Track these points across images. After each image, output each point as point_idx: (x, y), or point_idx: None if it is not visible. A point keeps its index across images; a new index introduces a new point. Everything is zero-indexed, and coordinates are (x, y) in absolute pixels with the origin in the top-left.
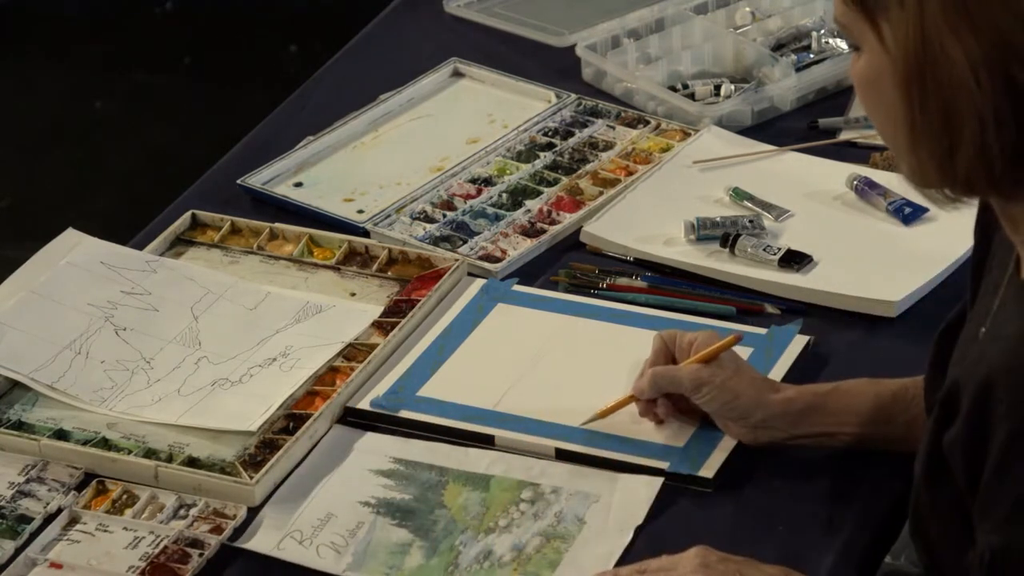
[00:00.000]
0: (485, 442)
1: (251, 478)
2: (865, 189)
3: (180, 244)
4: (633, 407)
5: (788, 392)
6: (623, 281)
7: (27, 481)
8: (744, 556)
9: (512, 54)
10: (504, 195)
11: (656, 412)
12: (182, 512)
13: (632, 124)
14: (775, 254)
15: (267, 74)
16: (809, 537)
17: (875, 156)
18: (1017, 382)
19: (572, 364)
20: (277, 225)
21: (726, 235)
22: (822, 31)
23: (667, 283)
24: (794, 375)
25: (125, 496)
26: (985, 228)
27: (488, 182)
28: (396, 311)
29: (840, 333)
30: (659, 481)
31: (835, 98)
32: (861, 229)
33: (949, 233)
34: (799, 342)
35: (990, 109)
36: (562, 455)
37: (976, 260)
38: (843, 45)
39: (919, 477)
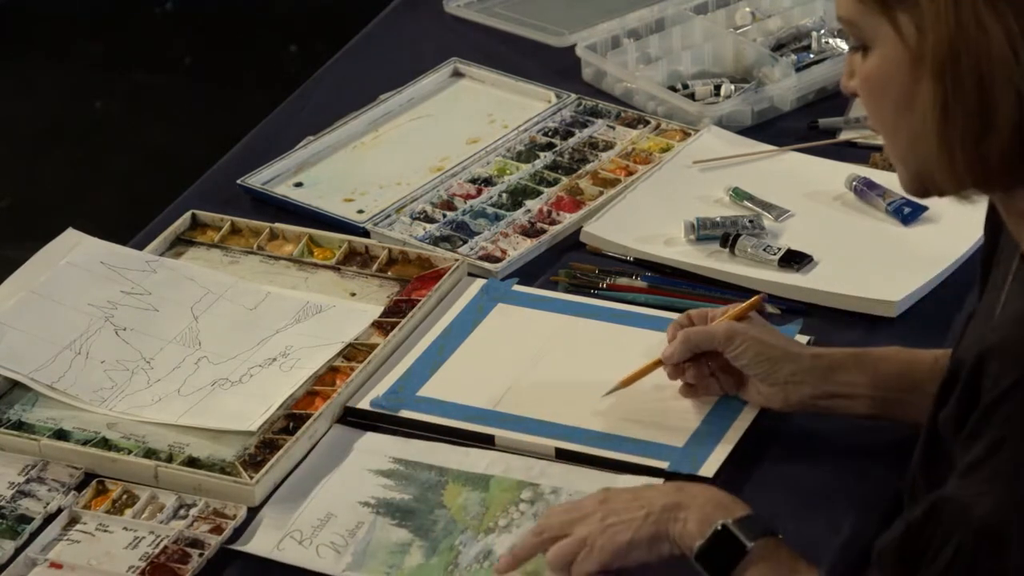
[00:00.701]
0: (485, 442)
1: (251, 478)
2: (865, 189)
3: (180, 244)
4: (645, 390)
5: (818, 350)
6: (623, 281)
7: (27, 481)
8: None
9: (512, 54)
10: (504, 195)
11: (685, 378)
12: (182, 512)
13: (632, 124)
14: (775, 254)
15: (267, 74)
16: (809, 537)
17: (875, 156)
18: (1006, 356)
19: (572, 364)
20: (277, 225)
21: (726, 235)
22: (822, 31)
23: (667, 283)
24: None
25: (125, 496)
26: (993, 224)
27: (488, 182)
28: (396, 311)
29: (840, 333)
30: (659, 481)
31: (835, 98)
32: (861, 229)
33: (949, 233)
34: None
35: None
36: (562, 455)
37: (984, 255)
38: (843, 45)
39: (916, 460)
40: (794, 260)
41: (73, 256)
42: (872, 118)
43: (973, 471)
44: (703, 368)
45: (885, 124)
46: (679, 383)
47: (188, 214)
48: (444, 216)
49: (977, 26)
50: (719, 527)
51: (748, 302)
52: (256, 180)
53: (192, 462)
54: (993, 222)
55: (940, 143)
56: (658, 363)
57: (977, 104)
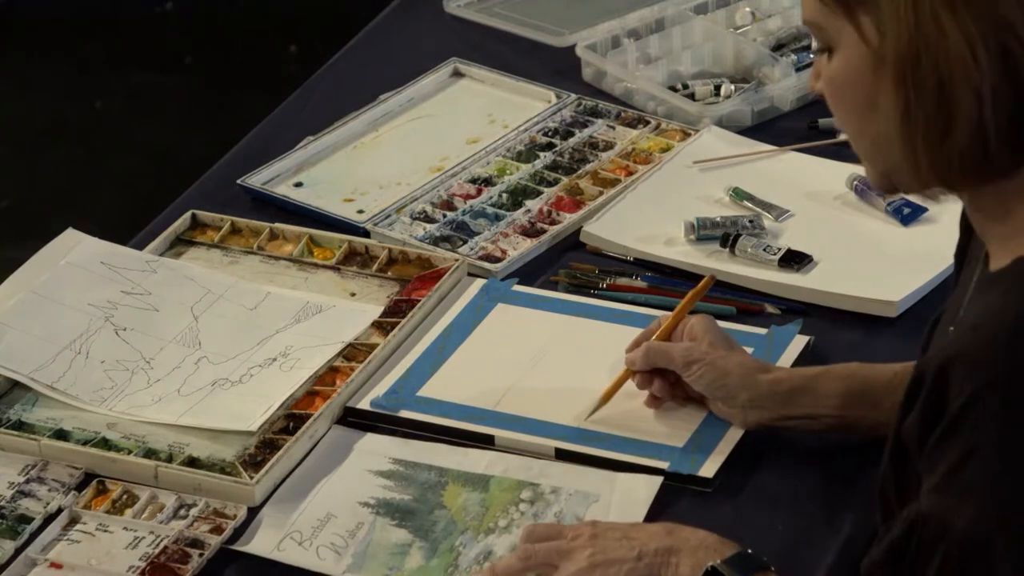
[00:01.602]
0: (485, 442)
1: (251, 478)
2: (865, 189)
3: (180, 244)
4: (632, 399)
5: (777, 373)
6: (623, 281)
7: (27, 481)
8: None
9: (512, 54)
10: (504, 195)
11: (651, 390)
12: (182, 512)
13: (632, 124)
14: (775, 254)
15: (267, 74)
16: (809, 537)
17: None
18: (968, 363)
19: (572, 364)
20: (277, 225)
21: (726, 235)
22: None
23: (667, 283)
24: None
25: (125, 496)
26: (967, 222)
27: (488, 182)
28: (396, 311)
29: (840, 333)
30: (659, 481)
31: (832, 97)
32: (861, 229)
33: (949, 233)
34: (799, 342)
35: (988, 85)
36: (562, 455)
37: (958, 253)
38: None
39: (884, 469)
40: (794, 260)
41: (73, 256)
42: (838, 119)
43: (948, 483)
44: (669, 377)
45: (850, 125)
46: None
47: (188, 214)
48: (444, 216)
49: (936, 28)
50: (709, 568)
51: (695, 290)
52: (256, 180)
53: (192, 462)
54: (967, 220)
55: (903, 144)
56: (629, 373)
57: (937, 105)
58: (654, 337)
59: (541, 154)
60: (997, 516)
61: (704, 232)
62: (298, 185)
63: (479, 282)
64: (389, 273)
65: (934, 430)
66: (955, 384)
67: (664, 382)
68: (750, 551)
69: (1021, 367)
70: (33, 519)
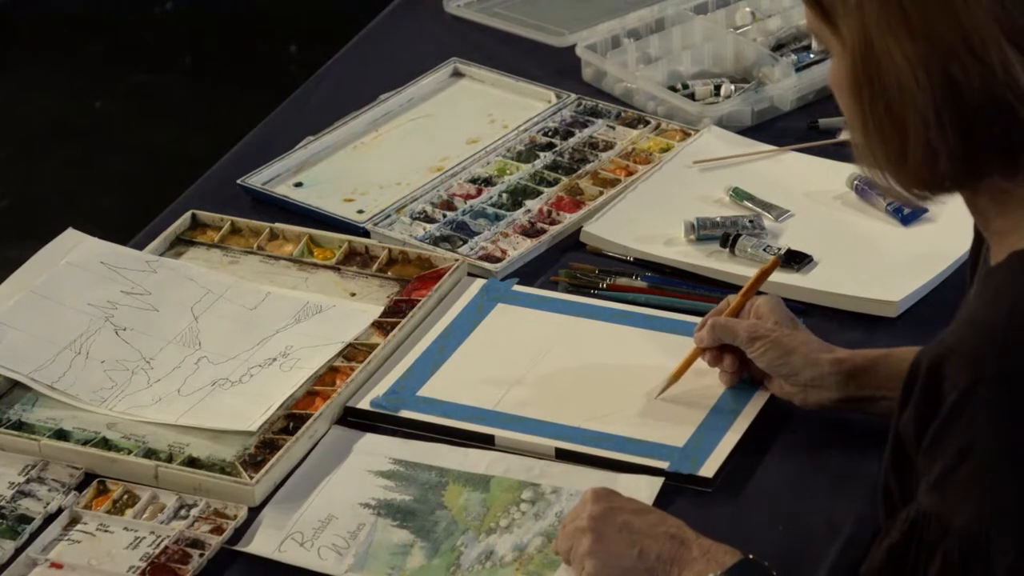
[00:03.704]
0: (485, 442)
1: (251, 478)
2: (865, 189)
3: (180, 244)
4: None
5: (840, 353)
6: (623, 281)
7: (27, 481)
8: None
9: (512, 54)
10: (504, 195)
11: (723, 366)
12: (183, 512)
13: (632, 124)
14: (775, 254)
15: (267, 74)
16: (809, 537)
17: None
18: (962, 358)
19: (572, 364)
20: (277, 225)
21: (726, 235)
22: None
23: (667, 283)
24: None
25: (126, 496)
26: None
27: (488, 182)
28: (396, 311)
29: (840, 333)
30: (659, 481)
31: (835, 98)
32: (861, 229)
33: (949, 233)
34: None
35: (931, 108)
36: (562, 455)
37: (972, 253)
38: None
39: (886, 465)
40: (794, 260)
41: (73, 256)
42: (844, 116)
43: (946, 481)
44: (738, 355)
45: (848, 122)
46: (680, 383)
47: (188, 214)
48: (444, 216)
49: (882, 49)
50: None
51: (764, 268)
52: (256, 180)
53: (192, 462)
54: None
55: (869, 153)
56: (698, 351)
57: (889, 126)
58: (723, 315)
59: (541, 154)
60: (996, 512)
61: (704, 232)
62: (298, 185)
63: (479, 282)
64: (389, 273)
65: (930, 426)
66: (949, 379)
67: (735, 357)
68: (751, 556)
69: (1015, 361)
70: (33, 519)
